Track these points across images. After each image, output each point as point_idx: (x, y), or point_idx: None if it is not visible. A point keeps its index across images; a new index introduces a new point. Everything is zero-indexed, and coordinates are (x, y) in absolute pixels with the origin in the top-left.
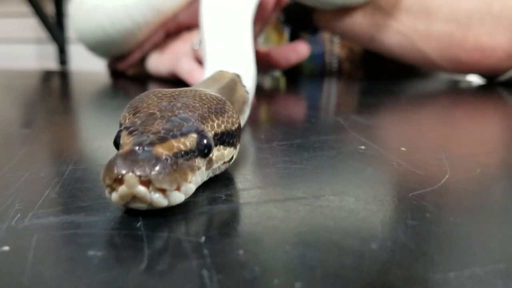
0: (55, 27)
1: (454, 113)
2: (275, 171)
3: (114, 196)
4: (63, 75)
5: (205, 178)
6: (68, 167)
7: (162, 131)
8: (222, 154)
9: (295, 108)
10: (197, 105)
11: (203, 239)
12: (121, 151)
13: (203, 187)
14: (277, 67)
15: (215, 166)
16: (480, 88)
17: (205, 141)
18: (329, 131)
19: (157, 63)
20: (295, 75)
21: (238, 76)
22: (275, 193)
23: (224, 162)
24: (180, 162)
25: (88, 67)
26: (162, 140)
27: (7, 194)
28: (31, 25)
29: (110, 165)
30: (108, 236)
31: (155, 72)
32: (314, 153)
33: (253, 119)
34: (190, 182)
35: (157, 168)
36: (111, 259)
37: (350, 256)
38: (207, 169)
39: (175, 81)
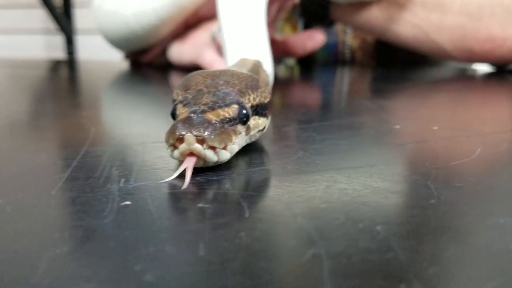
0: (62, 17)
1: (469, 97)
2: (324, 146)
3: (176, 153)
4: (71, 65)
5: (243, 143)
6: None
7: (210, 103)
8: (257, 123)
9: (318, 94)
10: (236, 82)
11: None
12: (179, 118)
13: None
14: (293, 55)
15: (252, 133)
16: (489, 75)
17: (244, 111)
18: (361, 113)
19: (179, 52)
20: (308, 64)
21: (258, 62)
22: (336, 162)
23: (259, 130)
24: (226, 127)
25: (96, 57)
26: (211, 109)
27: (102, 165)
28: (39, 16)
29: (172, 128)
30: (205, 193)
31: (177, 61)
32: (355, 132)
33: (282, 103)
34: (233, 143)
35: (209, 130)
36: (218, 209)
37: (419, 208)
38: (246, 134)
39: (196, 69)
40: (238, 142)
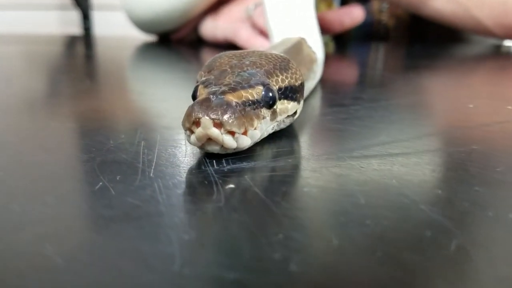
0: None
1: (505, 75)
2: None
3: (192, 138)
4: (88, 40)
5: (270, 130)
6: None
7: (233, 83)
8: (286, 108)
9: (358, 70)
10: (263, 62)
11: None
12: (198, 99)
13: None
14: (331, 31)
15: (279, 118)
16: None
17: (270, 94)
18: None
19: (212, 28)
20: (343, 40)
21: (303, 39)
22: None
23: (288, 116)
24: (247, 110)
25: (112, 33)
26: (233, 90)
27: (182, 151)
28: None
29: (189, 111)
30: (308, 176)
31: (210, 38)
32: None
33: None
34: (255, 128)
35: (228, 112)
36: (333, 196)
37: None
38: (271, 119)
39: (230, 46)
40: (261, 127)
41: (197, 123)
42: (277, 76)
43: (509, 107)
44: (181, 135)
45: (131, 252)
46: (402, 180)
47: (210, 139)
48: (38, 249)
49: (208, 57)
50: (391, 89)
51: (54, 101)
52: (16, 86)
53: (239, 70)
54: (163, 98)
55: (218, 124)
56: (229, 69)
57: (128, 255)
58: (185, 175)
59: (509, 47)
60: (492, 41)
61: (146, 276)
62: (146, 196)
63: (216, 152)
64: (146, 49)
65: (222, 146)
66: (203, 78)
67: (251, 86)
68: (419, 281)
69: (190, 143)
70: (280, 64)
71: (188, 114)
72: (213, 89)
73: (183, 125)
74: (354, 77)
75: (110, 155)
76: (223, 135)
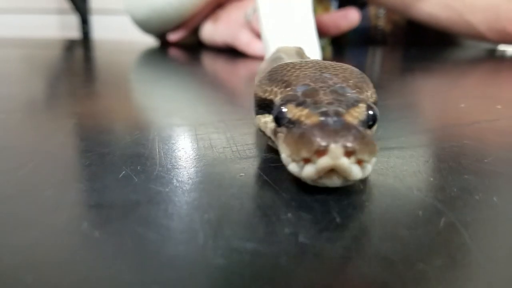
0: None
1: (504, 77)
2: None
3: (309, 169)
4: (87, 44)
5: None
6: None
7: (336, 102)
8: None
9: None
10: (346, 74)
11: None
12: (308, 122)
13: None
14: (327, 34)
15: None
16: None
17: (371, 112)
18: (412, 93)
19: (212, 32)
20: (340, 44)
21: (300, 48)
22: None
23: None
24: (366, 133)
25: (110, 37)
26: (346, 109)
27: (195, 145)
28: None
29: (305, 137)
30: None
31: (209, 42)
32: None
33: None
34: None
35: (358, 137)
36: None
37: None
38: None
39: (229, 50)
40: None
41: (320, 152)
42: (366, 91)
43: (499, 107)
44: (192, 131)
45: (158, 228)
46: (397, 170)
47: (330, 171)
48: (76, 227)
49: (209, 61)
50: (387, 90)
51: (60, 102)
52: (27, 88)
53: (326, 85)
54: (169, 99)
55: (349, 153)
56: (312, 84)
57: (155, 231)
58: (199, 165)
59: (503, 51)
60: (487, 45)
61: (173, 247)
62: (166, 184)
63: (334, 186)
64: (145, 53)
65: (345, 178)
66: (286, 96)
67: (354, 105)
68: (414, 252)
69: (302, 176)
70: (361, 76)
71: (307, 142)
72: (322, 110)
73: (296, 154)
74: None
75: (129, 149)
76: (352, 165)
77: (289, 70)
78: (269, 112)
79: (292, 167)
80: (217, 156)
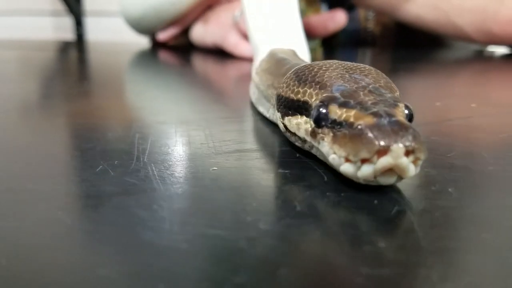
0: None
1: (490, 77)
2: None
3: (367, 169)
4: (81, 46)
5: None
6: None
7: (379, 102)
8: None
9: None
10: (373, 75)
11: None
12: (362, 122)
13: None
14: (315, 36)
15: None
16: (507, 57)
17: (407, 111)
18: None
19: (202, 34)
20: (331, 46)
21: (293, 51)
22: None
23: None
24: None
25: (104, 39)
26: (395, 109)
27: (173, 141)
28: None
29: (364, 137)
30: (283, 161)
31: (199, 43)
32: None
33: None
34: None
35: (417, 137)
36: (299, 174)
37: (478, 172)
38: None
39: (218, 51)
40: None
41: (381, 152)
42: (395, 91)
43: (473, 105)
44: (173, 128)
45: (130, 217)
46: None
47: (387, 170)
48: (54, 216)
49: (199, 62)
50: None
51: (52, 102)
52: (21, 88)
53: (362, 86)
54: (156, 99)
55: (409, 152)
56: (348, 85)
57: (127, 219)
58: (175, 159)
59: (491, 52)
60: (476, 46)
61: (143, 233)
62: (141, 176)
63: (388, 184)
64: (138, 54)
65: (399, 176)
66: (323, 97)
67: (396, 105)
68: (363, 235)
69: (358, 176)
70: (386, 77)
71: (366, 142)
72: (373, 110)
73: (355, 155)
74: None
75: (110, 145)
76: (409, 163)
77: (317, 71)
78: (302, 114)
79: (346, 168)
80: (193, 151)
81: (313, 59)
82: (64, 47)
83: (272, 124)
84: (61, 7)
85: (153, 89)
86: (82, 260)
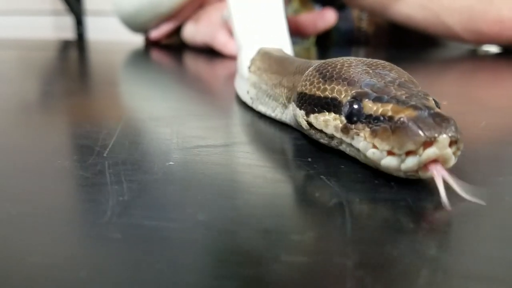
0: None
1: (478, 76)
2: None
3: (412, 161)
4: (82, 45)
5: None
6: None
7: (413, 96)
8: None
9: None
10: (396, 70)
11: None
12: (403, 116)
13: None
14: (305, 34)
15: None
16: (498, 56)
17: (434, 104)
18: None
19: (193, 33)
20: (325, 45)
21: (281, 50)
22: None
23: None
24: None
25: (105, 39)
26: (428, 102)
27: (136, 138)
28: None
29: (409, 130)
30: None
31: (190, 42)
32: None
33: None
34: None
35: (458, 128)
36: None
37: None
38: None
39: (209, 50)
40: None
41: (428, 143)
42: (418, 85)
43: (445, 103)
44: (142, 124)
45: (74, 209)
46: (315, 158)
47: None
48: (16, 207)
49: (191, 61)
50: None
51: (48, 102)
52: (20, 88)
53: (389, 81)
54: (140, 97)
55: (453, 142)
56: (376, 80)
57: (72, 211)
58: (132, 154)
59: (486, 51)
60: (469, 46)
61: (81, 225)
62: (95, 170)
63: (426, 177)
64: (136, 53)
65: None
66: (356, 93)
67: (427, 98)
68: (294, 225)
69: (402, 169)
70: (406, 72)
71: (412, 135)
72: (412, 103)
73: (397, 148)
74: None
75: (75, 141)
76: (452, 154)
77: (341, 68)
78: (330, 110)
79: (389, 161)
80: (155, 147)
81: (307, 58)
82: (64, 47)
83: (275, 122)
84: (61, 6)
85: (142, 88)
86: (15, 248)
